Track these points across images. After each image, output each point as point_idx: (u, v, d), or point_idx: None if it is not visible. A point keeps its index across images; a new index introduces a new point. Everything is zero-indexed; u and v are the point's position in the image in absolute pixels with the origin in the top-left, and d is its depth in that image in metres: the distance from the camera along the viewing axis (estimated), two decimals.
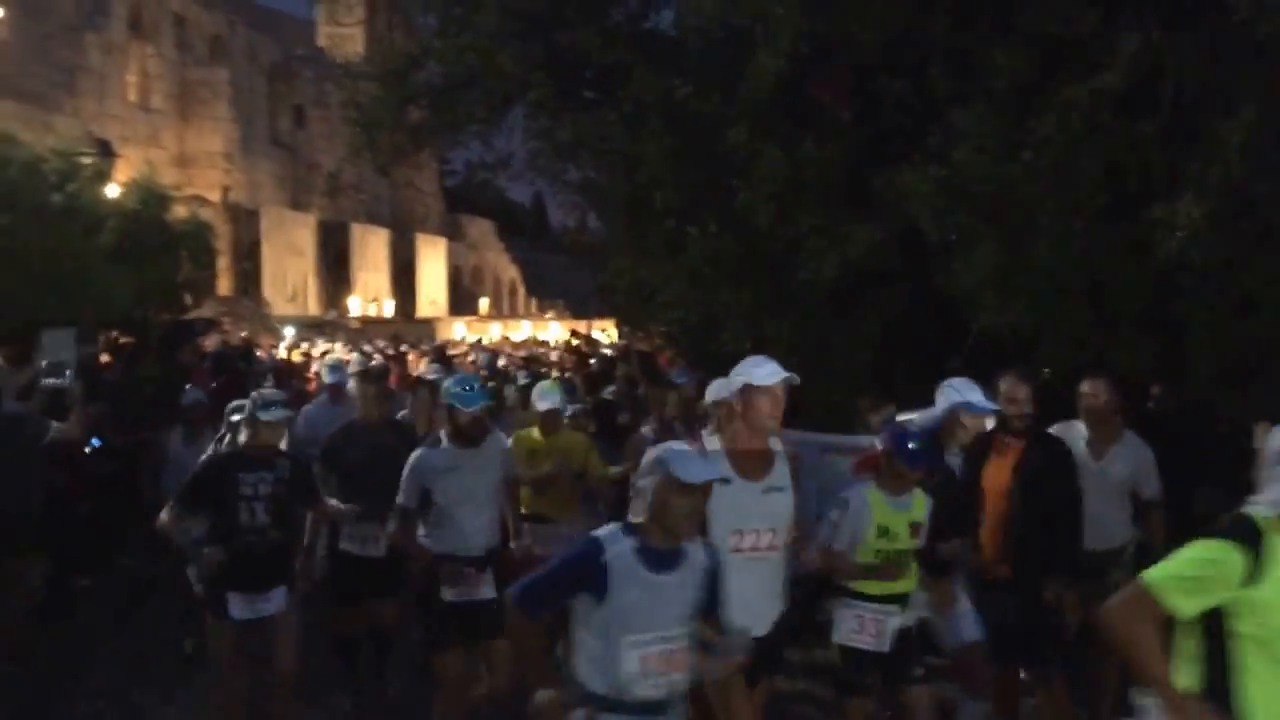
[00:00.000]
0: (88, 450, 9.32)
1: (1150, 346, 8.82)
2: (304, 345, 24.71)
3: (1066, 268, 9.00)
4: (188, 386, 9.98)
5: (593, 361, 13.78)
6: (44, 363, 8.30)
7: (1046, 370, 8.92)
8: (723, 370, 10.76)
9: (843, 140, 9.98)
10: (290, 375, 14.15)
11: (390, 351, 21.62)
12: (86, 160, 15.69)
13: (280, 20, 52.28)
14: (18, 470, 7.45)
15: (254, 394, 6.66)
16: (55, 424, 7.89)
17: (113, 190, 15.95)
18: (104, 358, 12.83)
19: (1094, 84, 8.75)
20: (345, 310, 42.95)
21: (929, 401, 6.93)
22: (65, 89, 36.33)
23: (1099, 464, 6.69)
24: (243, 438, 6.56)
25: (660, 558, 3.83)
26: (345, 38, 50.46)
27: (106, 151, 16.89)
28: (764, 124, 10.18)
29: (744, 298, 10.60)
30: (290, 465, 6.46)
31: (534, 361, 18.47)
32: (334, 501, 6.85)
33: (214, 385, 11.23)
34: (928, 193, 9.32)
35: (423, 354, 21.80)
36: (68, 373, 8.09)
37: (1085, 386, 6.87)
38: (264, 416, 6.31)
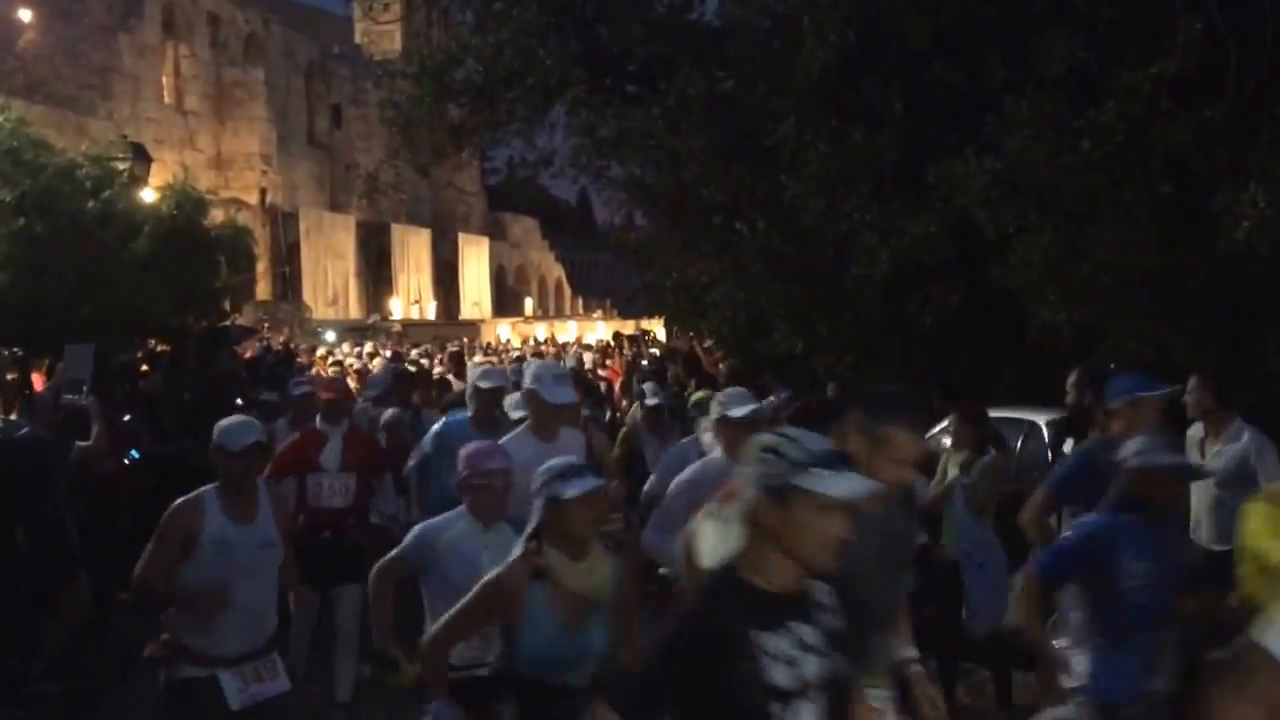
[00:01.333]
0: (126, 462, 9.18)
1: (1217, 338, 8.49)
2: (344, 349, 24.62)
3: (1128, 259, 8.70)
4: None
5: (644, 363, 13.57)
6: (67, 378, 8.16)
7: (1112, 365, 8.62)
8: (775, 369, 10.51)
9: (893, 132, 9.72)
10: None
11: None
12: (121, 165, 15.58)
13: (316, 17, 52.35)
14: (37, 494, 7.32)
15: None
16: (79, 444, 7.77)
17: (149, 195, 15.84)
18: (143, 367, 12.71)
19: (1154, 70, 8.45)
20: (387, 313, 42.93)
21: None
22: (98, 91, 36.42)
23: (1211, 460, 6.33)
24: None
25: None
26: (382, 34, 50.38)
27: (142, 155, 16.74)
28: (812, 116, 9.95)
29: (794, 295, 10.37)
30: None
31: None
32: None
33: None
34: (982, 184, 9.06)
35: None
36: (84, 389, 7.93)
37: (1190, 383, 6.55)
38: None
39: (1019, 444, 7.72)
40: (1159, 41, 8.54)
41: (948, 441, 7.65)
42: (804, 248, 10.19)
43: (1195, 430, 6.44)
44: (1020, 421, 7.87)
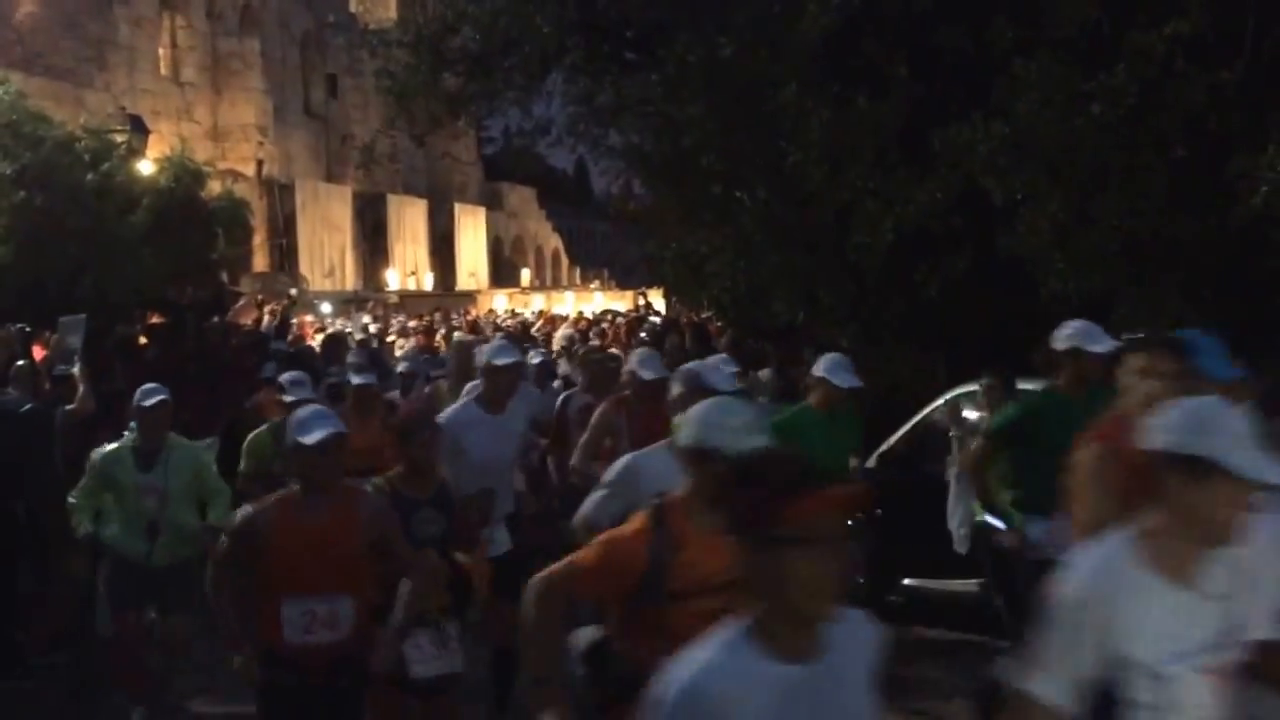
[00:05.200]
0: (125, 434, 9.11)
1: (1235, 308, 8.37)
2: (339, 322, 24.37)
3: (1141, 227, 8.56)
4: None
5: (643, 334, 13.45)
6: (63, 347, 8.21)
7: (1122, 334, 8.50)
8: (774, 340, 10.39)
9: (898, 97, 9.55)
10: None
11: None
12: (119, 138, 15.47)
13: None
14: (35, 466, 7.33)
15: None
16: (65, 408, 7.87)
17: (146, 167, 15.73)
18: (141, 340, 12.63)
19: (1168, 30, 8.29)
20: (383, 284, 42.79)
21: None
22: (96, 64, 36.12)
23: None
24: None
25: None
26: (378, 3, 49.99)
27: (139, 127, 16.66)
28: (813, 82, 9.79)
29: (796, 265, 10.22)
30: None
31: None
32: None
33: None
34: (990, 150, 8.91)
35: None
36: (75, 358, 8.03)
37: None
38: None
39: None
40: (1174, 1, 8.39)
41: (968, 413, 7.62)
42: (806, 216, 10.03)
43: None
44: (1031, 392, 7.78)
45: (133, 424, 6.82)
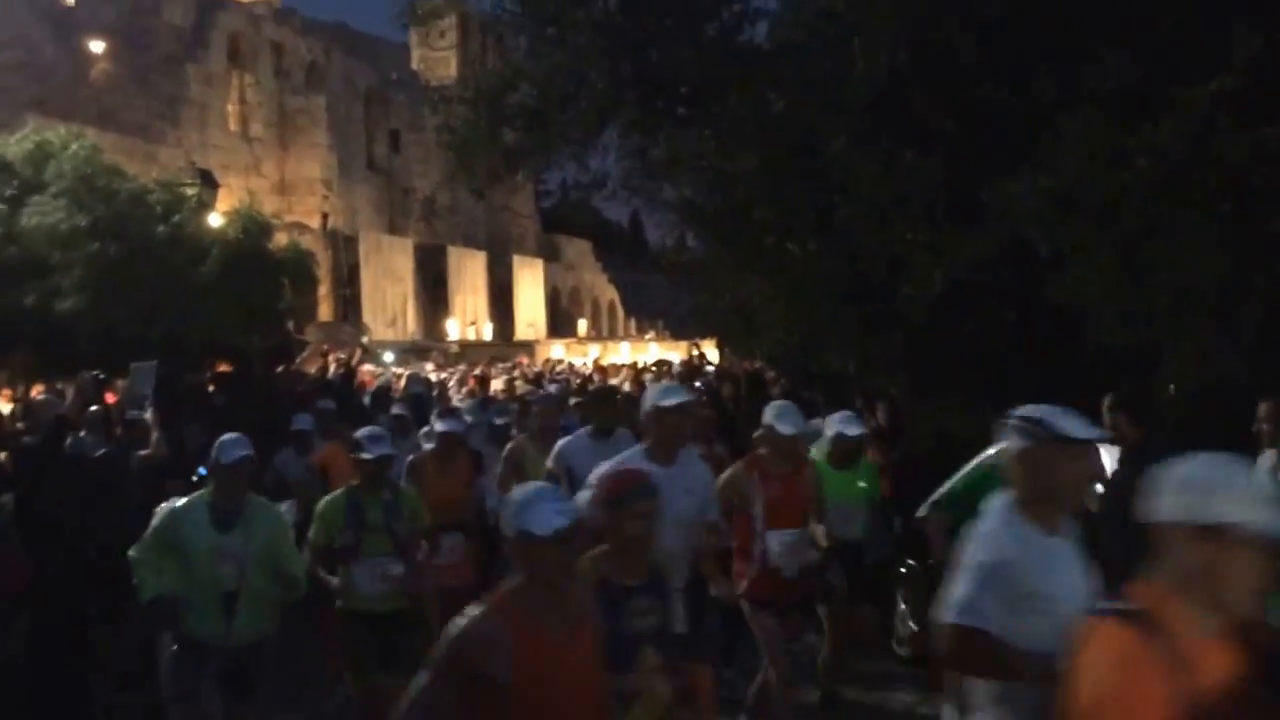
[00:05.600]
0: (194, 479, 9.39)
1: None
2: (397, 370, 24.68)
3: (1187, 279, 8.59)
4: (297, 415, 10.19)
5: (698, 385, 13.62)
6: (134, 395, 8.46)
7: (1172, 387, 8.53)
8: (825, 390, 10.51)
9: (945, 151, 9.68)
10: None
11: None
12: (190, 191, 15.99)
13: (375, 45, 53.06)
14: (108, 509, 7.53)
15: None
16: (139, 453, 8.06)
17: (215, 220, 16.22)
18: (210, 387, 12.97)
19: (1212, 86, 8.36)
20: (444, 334, 43.29)
21: None
22: (168, 120, 37.21)
23: None
24: None
25: None
26: (438, 61, 51.04)
27: (209, 181, 17.23)
28: (863, 136, 9.94)
29: (846, 316, 10.36)
30: None
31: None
32: None
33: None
34: (1036, 203, 8.99)
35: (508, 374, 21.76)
36: (146, 403, 8.25)
37: (1262, 410, 6.44)
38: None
39: None
40: (1217, 57, 8.46)
41: None
42: (856, 268, 10.18)
43: (1266, 459, 6.27)
44: None
45: (200, 471, 6.95)
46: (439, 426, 7.86)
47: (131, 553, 5.86)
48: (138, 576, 5.83)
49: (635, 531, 4.23)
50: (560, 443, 7.29)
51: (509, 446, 8.60)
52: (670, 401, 5.63)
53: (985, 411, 9.98)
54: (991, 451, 8.27)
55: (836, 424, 7.36)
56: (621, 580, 4.27)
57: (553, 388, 11.35)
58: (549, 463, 7.16)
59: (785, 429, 6.44)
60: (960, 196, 9.63)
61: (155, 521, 5.91)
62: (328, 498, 6.73)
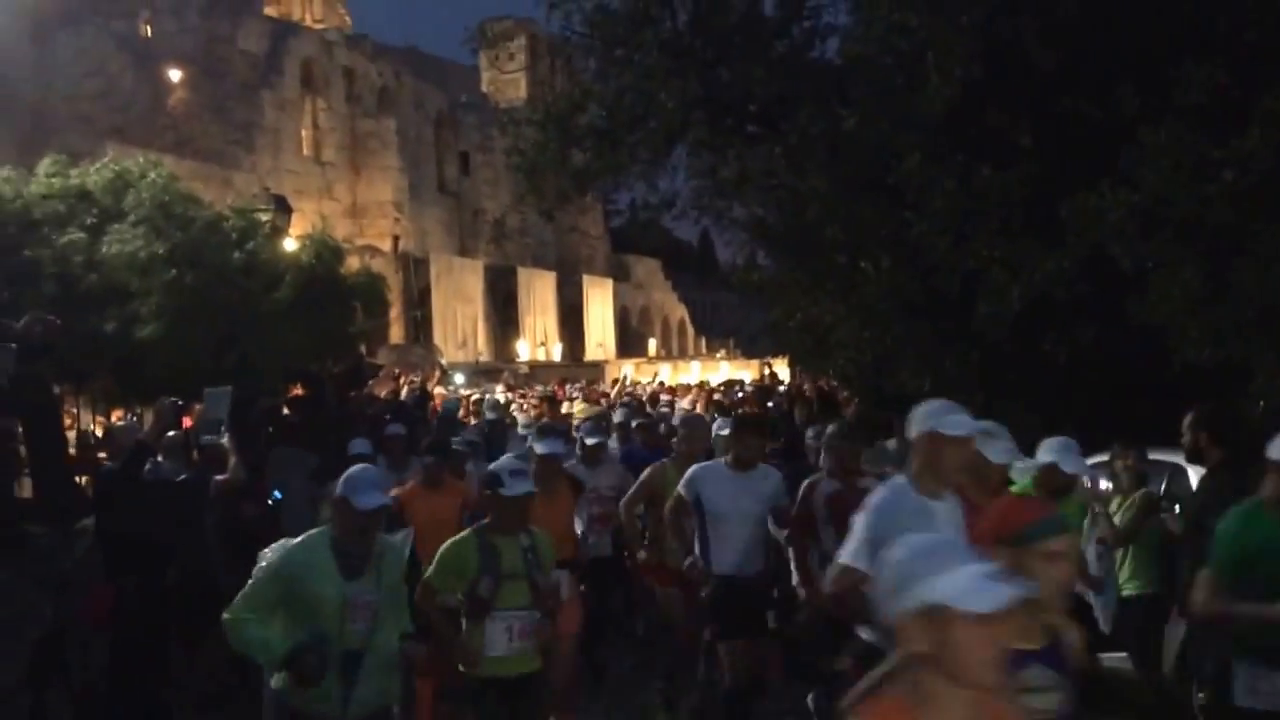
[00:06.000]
0: (270, 503, 9.45)
1: None
2: (464, 392, 24.71)
3: (1277, 294, 8.35)
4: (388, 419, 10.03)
5: (770, 405, 13.51)
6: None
7: (1262, 403, 8.29)
8: (900, 409, 10.34)
9: (1023, 166, 9.53)
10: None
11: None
12: (264, 217, 16.19)
13: (444, 68, 53.61)
14: (188, 534, 7.58)
15: None
16: (217, 478, 8.11)
17: (289, 245, 16.41)
18: (284, 411, 13.06)
19: None
20: (514, 355, 43.51)
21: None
22: (243, 145, 37.89)
23: None
24: None
25: None
26: (508, 83, 51.43)
27: (283, 207, 17.38)
28: (937, 152, 9.82)
29: (921, 334, 10.21)
30: None
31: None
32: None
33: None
34: (1118, 218, 8.80)
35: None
36: (222, 429, 8.27)
37: None
38: None
39: (1163, 487, 7.47)
40: None
41: (1104, 484, 7.47)
42: (931, 286, 10.04)
43: None
44: (1164, 464, 7.61)
45: (275, 494, 6.92)
46: (539, 449, 7.10)
47: (229, 615, 4.75)
48: (246, 638, 4.74)
49: (1049, 575, 3.10)
50: (694, 468, 6.95)
51: (649, 470, 7.80)
52: (955, 431, 4.61)
53: (1065, 430, 9.83)
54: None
55: (1052, 452, 6.13)
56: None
57: (619, 413, 11.15)
58: (680, 488, 6.86)
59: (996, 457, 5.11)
60: (1038, 211, 9.47)
61: (264, 570, 4.80)
62: (454, 540, 5.60)
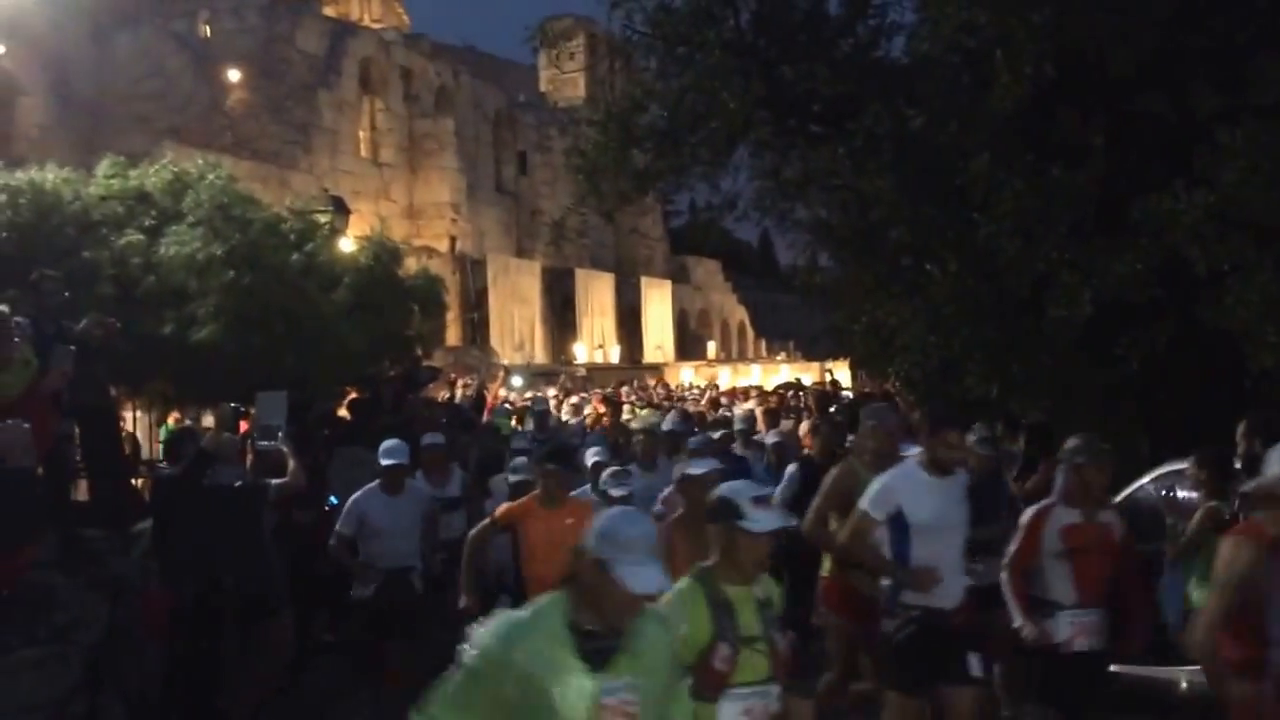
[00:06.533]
0: (327, 508, 9.41)
1: None
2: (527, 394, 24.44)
3: None
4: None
5: (833, 409, 13.28)
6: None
7: None
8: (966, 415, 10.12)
9: (1095, 166, 9.30)
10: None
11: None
12: (322, 218, 16.20)
13: (503, 67, 53.72)
14: (244, 538, 7.52)
15: None
16: (275, 482, 8.04)
17: (347, 246, 16.42)
18: (341, 413, 13.08)
19: None
20: (572, 357, 43.46)
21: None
22: (301, 146, 38.11)
23: None
24: None
25: None
26: (566, 82, 51.49)
27: (341, 208, 17.40)
28: (1006, 152, 9.62)
29: (988, 338, 9.99)
30: None
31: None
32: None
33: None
34: (1193, 219, 8.56)
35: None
36: (279, 434, 8.17)
37: None
38: None
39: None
40: None
41: (1181, 493, 7.25)
42: (999, 289, 9.83)
43: None
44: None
45: (331, 500, 6.79)
46: (692, 469, 6.06)
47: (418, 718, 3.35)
48: None
49: None
50: (885, 476, 5.89)
51: (835, 472, 6.75)
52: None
53: (1137, 436, 9.59)
54: (1160, 473, 7.83)
55: None
56: None
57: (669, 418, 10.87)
58: (866, 505, 5.80)
59: None
60: (1110, 212, 9.26)
61: (475, 660, 3.27)
62: (677, 595, 4.06)
